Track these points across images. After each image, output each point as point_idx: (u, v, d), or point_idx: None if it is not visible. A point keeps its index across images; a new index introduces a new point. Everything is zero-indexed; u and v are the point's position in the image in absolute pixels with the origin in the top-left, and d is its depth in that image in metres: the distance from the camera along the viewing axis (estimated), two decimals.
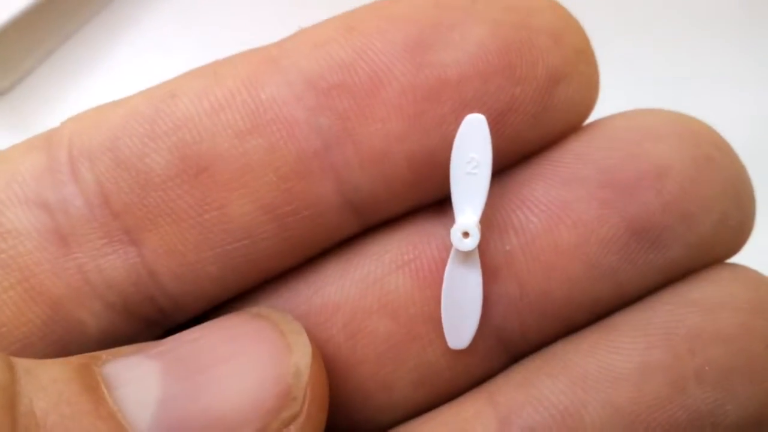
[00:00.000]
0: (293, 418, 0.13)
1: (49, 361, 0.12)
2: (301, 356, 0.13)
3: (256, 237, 0.15)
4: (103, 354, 0.13)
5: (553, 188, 0.15)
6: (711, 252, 0.15)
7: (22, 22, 0.32)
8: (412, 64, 0.14)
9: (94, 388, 0.12)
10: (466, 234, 0.14)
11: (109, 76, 0.34)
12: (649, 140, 0.15)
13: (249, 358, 0.13)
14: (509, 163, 0.15)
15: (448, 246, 0.15)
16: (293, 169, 0.14)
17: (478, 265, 0.15)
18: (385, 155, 0.14)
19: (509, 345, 0.16)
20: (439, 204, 0.16)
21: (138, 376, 0.13)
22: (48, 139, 0.15)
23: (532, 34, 0.14)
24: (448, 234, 0.15)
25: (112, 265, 0.15)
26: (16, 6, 0.32)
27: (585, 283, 0.15)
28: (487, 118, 0.14)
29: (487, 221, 0.15)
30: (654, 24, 0.36)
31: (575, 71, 0.15)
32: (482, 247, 0.15)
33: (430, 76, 0.14)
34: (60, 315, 0.14)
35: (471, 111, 0.15)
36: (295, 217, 0.15)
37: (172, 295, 0.15)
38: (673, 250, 0.14)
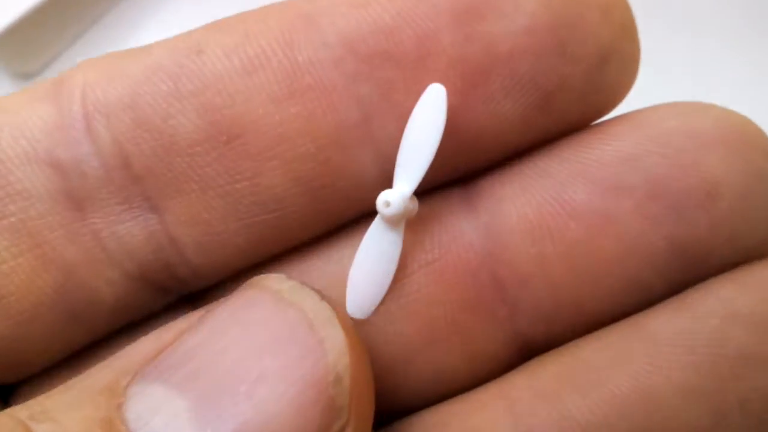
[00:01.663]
0: (341, 430, 0.12)
1: (68, 422, 0.11)
2: (338, 356, 0.12)
3: (288, 209, 0.14)
4: (123, 380, 0.12)
5: (598, 195, 0.14)
6: (752, 259, 0.14)
7: (52, 5, 0.31)
8: (461, 34, 0.13)
9: None
10: (388, 203, 0.13)
11: None
12: (701, 149, 0.13)
13: (284, 371, 0.11)
14: (548, 141, 0.14)
15: (476, 248, 0.14)
16: (332, 140, 0.14)
17: (401, 239, 0.14)
18: None
19: (532, 351, 0.15)
20: (468, 194, 0.15)
21: (166, 420, 0.11)
22: (57, 89, 0.13)
23: (582, 8, 0.13)
24: (476, 232, 0.14)
25: (130, 233, 0.14)
26: None
27: (620, 297, 0.14)
28: (535, 98, 0.14)
29: (521, 222, 0.14)
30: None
31: (622, 49, 0.14)
32: (513, 249, 0.14)
33: (480, 49, 0.13)
34: (73, 283, 0.13)
35: (521, 90, 0.14)
36: (329, 190, 0.14)
37: (194, 265, 0.14)
38: (714, 267, 0.14)
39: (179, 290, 0.15)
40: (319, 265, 0.15)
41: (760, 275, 0.13)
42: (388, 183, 0.14)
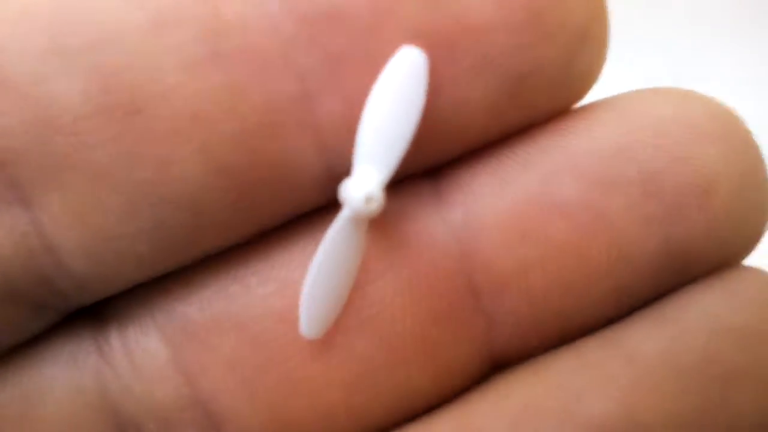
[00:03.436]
0: None
1: None
2: None
3: (204, 206, 0.11)
4: None
5: (588, 190, 0.12)
6: (736, 262, 0.13)
7: None
8: (426, 0, 0.11)
9: None
10: (369, 199, 0.11)
11: None
12: (698, 142, 0.12)
13: None
14: (513, 136, 0.13)
15: (449, 250, 0.12)
16: (261, 120, 0.11)
17: (364, 240, 0.12)
18: None
19: (502, 365, 0.13)
20: (438, 186, 0.13)
21: None
22: None
23: None
24: (449, 232, 0.12)
25: None
26: None
27: (606, 307, 0.13)
28: (505, 81, 0.12)
29: (501, 219, 0.12)
30: None
31: (598, 29, 0.12)
32: (491, 251, 0.12)
33: (450, 19, 0.11)
34: None
35: (494, 70, 0.12)
36: (257, 184, 0.11)
37: (77, 277, 0.11)
38: (702, 270, 0.13)
39: (61, 307, 0.12)
40: (250, 275, 0.12)
41: (749, 283, 0.12)
42: (332, 177, 0.12)
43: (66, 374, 0.12)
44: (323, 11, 0.11)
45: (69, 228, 0.11)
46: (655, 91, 0.13)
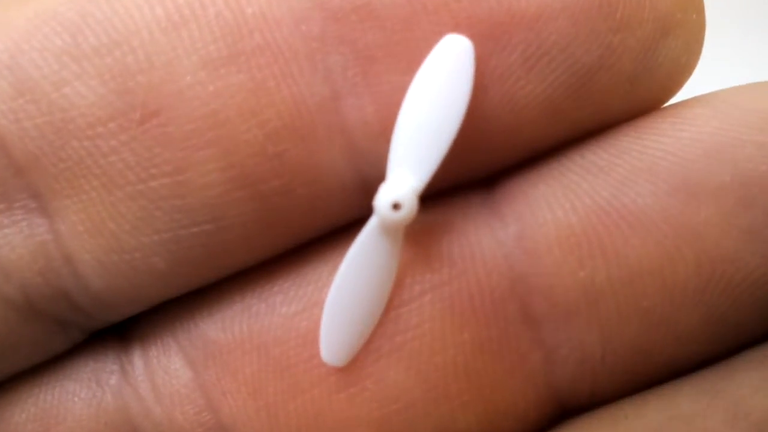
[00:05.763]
0: None
1: None
2: None
3: (226, 220, 0.10)
4: None
5: (671, 199, 0.10)
6: None
7: None
8: None
9: None
10: (397, 205, 0.10)
11: None
12: None
13: None
14: (583, 139, 0.11)
15: (501, 268, 0.11)
16: (286, 124, 0.10)
17: (398, 252, 0.10)
18: None
19: (569, 412, 0.12)
20: (492, 195, 0.11)
21: None
22: None
23: None
24: (503, 250, 0.11)
25: (9, 243, 0.10)
26: None
27: (700, 343, 0.11)
28: (568, 76, 0.10)
29: (564, 234, 0.11)
30: None
31: (686, 20, 0.11)
32: (552, 271, 0.11)
33: (497, 5, 0.10)
34: None
35: (551, 64, 0.10)
36: (283, 194, 0.10)
37: (96, 292, 0.11)
38: None
39: (85, 326, 0.11)
40: (276, 293, 0.11)
41: None
42: (366, 187, 0.11)
43: (88, 393, 0.11)
44: (354, 4, 0.10)
45: (85, 237, 0.10)
46: (756, 85, 0.11)
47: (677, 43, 0.11)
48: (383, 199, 0.10)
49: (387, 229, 0.10)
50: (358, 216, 0.11)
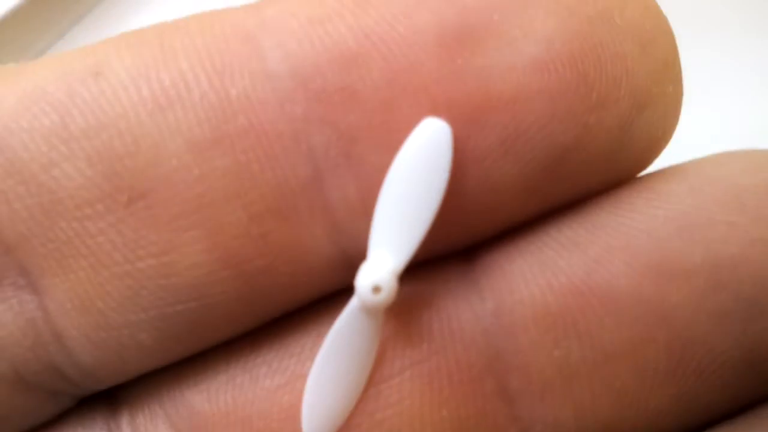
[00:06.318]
0: None
1: None
2: None
3: (210, 298, 0.10)
4: None
5: (645, 278, 0.10)
6: None
7: (36, 3, 0.30)
8: (449, 68, 0.10)
9: None
10: (377, 288, 0.10)
11: None
12: None
13: None
14: (558, 213, 0.11)
15: (479, 345, 0.11)
16: (271, 206, 0.10)
17: (379, 330, 0.11)
18: None
19: None
20: (470, 268, 0.11)
21: None
22: None
23: (616, 36, 0.10)
24: (479, 324, 0.11)
25: (0, 321, 0.10)
26: None
27: (670, 421, 0.11)
28: (543, 156, 0.10)
29: (540, 311, 0.11)
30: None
31: (662, 93, 0.11)
32: (528, 349, 0.11)
33: (474, 89, 0.10)
34: None
35: (527, 146, 0.10)
36: (266, 273, 0.11)
37: (85, 366, 0.11)
38: None
39: (74, 393, 0.11)
40: (259, 365, 0.11)
41: None
42: (349, 262, 0.11)
43: None
44: (336, 87, 0.10)
45: (74, 315, 0.10)
46: (733, 156, 0.11)
47: (654, 117, 0.11)
48: (363, 282, 0.10)
49: (368, 311, 0.10)
50: (341, 287, 0.11)
